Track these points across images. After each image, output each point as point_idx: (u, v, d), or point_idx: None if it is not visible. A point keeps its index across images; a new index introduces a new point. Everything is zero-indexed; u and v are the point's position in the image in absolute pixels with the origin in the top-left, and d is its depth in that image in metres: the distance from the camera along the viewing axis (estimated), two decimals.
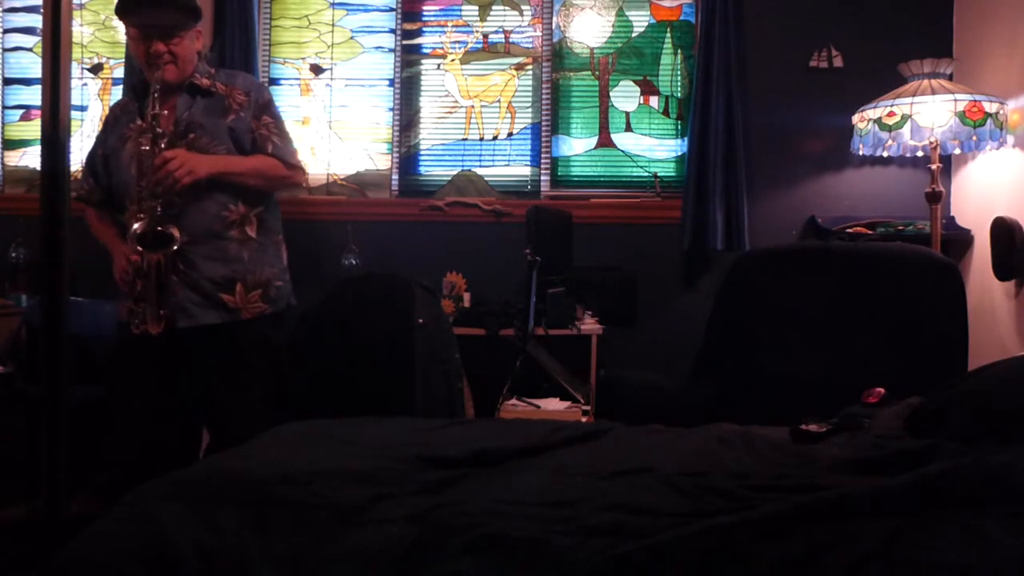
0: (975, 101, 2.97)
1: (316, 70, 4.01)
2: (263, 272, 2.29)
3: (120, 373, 2.27)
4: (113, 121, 2.32)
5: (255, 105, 2.30)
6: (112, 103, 2.37)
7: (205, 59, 2.38)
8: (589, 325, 3.36)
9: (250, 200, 2.28)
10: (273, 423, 2.22)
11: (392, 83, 3.98)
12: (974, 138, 3.00)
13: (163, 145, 2.12)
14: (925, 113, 2.99)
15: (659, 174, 3.86)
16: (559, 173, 3.93)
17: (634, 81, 3.91)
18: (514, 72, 3.96)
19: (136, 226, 2.10)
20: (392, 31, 3.99)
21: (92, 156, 2.36)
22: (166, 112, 2.18)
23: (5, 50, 4.10)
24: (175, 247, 2.12)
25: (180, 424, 2.28)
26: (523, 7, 3.95)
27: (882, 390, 1.99)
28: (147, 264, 2.10)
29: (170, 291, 2.15)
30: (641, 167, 3.89)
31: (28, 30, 4.09)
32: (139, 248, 2.10)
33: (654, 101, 3.90)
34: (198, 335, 2.20)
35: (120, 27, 3.91)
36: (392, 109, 3.98)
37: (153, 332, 2.10)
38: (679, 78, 3.88)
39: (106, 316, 2.88)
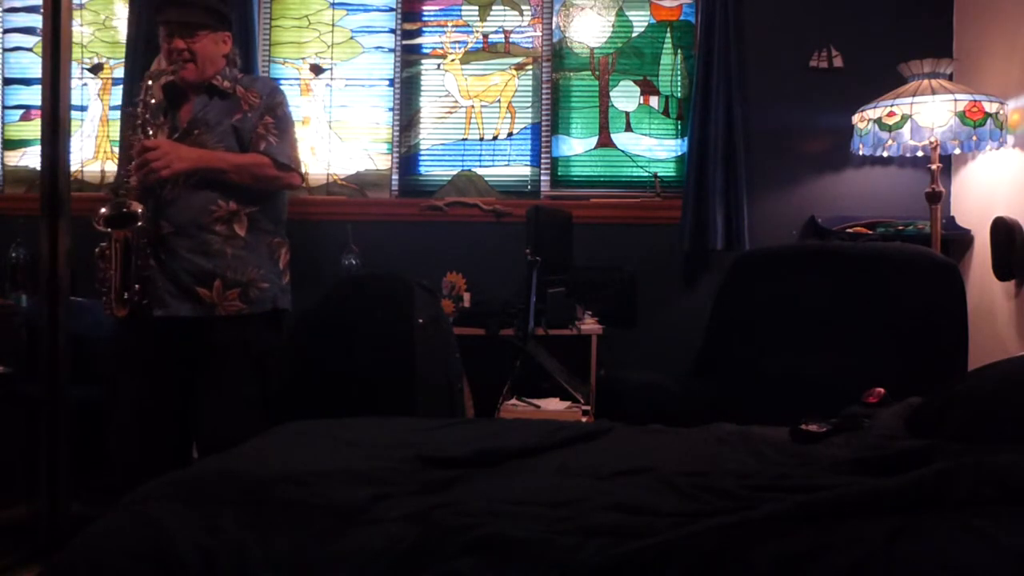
0: (975, 101, 2.97)
1: (316, 70, 4.01)
2: (247, 272, 2.26)
3: (115, 372, 2.29)
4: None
5: (264, 106, 2.30)
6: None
7: (233, 65, 2.36)
8: (589, 325, 3.36)
9: (242, 198, 2.26)
10: (259, 431, 2.17)
11: (392, 83, 3.98)
12: (974, 138, 2.99)
13: (150, 133, 2.13)
14: (925, 113, 2.99)
15: (659, 174, 3.86)
16: (559, 173, 3.93)
17: (634, 81, 3.90)
18: (514, 72, 3.96)
19: (103, 210, 2.10)
20: (392, 31, 3.99)
21: None
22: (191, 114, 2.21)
23: (5, 50, 4.10)
24: (140, 223, 2.11)
25: (174, 421, 2.28)
26: (523, 7, 3.95)
27: (882, 390, 1.99)
28: (114, 246, 2.10)
29: (150, 279, 2.16)
30: (641, 167, 3.89)
31: (28, 30, 4.08)
32: (108, 229, 2.10)
33: (654, 101, 3.90)
34: (175, 326, 2.20)
35: (121, 27, 3.92)
36: (392, 109, 3.98)
37: (119, 315, 2.11)
38: (679, 78, 3.88)
39: (106, 316, 2.90)
